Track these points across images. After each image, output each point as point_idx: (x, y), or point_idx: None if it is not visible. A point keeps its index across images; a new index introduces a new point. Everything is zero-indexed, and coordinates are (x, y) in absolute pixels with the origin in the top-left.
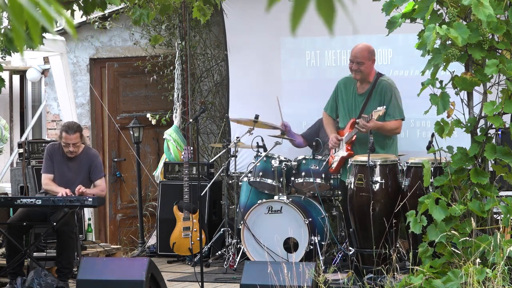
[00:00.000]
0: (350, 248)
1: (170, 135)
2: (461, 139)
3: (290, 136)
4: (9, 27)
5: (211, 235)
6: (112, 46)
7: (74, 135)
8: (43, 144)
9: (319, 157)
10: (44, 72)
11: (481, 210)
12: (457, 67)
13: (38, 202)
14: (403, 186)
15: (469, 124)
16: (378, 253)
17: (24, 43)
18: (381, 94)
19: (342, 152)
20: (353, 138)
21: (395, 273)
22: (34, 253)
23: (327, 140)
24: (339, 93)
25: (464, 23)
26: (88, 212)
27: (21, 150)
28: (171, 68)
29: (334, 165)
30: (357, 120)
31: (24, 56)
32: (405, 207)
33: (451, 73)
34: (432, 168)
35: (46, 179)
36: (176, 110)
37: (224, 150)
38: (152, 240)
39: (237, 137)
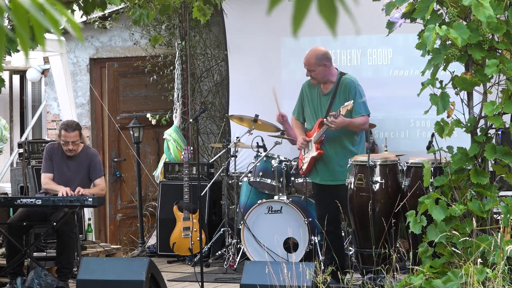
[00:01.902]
0: (350, 248)
1: (170, 135)
2: (461, 139)
3: (287, 127)
4: (9, 27)
5: (211, 235)
6: (112, 46)
7: (73, 133)
8: (43, 144)
9: None
10: (44, 72)
11: (481, 210)
12: (457, 67)
13: (38, 202)
14: (403, 186)
15: (469, 124)
16: (378, 253)
17: (29, 47)
18: (345, 91)
19: (312, 153)
20: (322, 138)
21: (395, 273)
22: (34, 253)
23: None
24: (305, 96)
25: (464, 23)
26: (88, 212)
27: (21, 150)
28: (171, 68)
29: (304, 167)
30: (324, 119)
31: (29, 59)
32: (405, 207)
33: (451, 73)
34: (432, 168)
35: (46, 179)
36: (176, 110)
37: (224, 150)
38: (152, 240)
39: (237, 137)
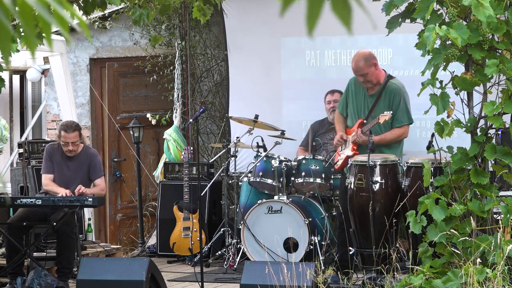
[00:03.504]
0: (350, 248)
1: (170, 135)
2: (461, 139)
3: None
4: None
5: (211, 235)
6: (112, 46)
7: (73, 133)
8: (43, 144)
9: (319, 157)
10: (44, 72)
11: (481, 210)
12: (457, 67)
13: (38, 202)
14: (403, 186)
15: (469, 124)
16: (378, 253)
17: (35, 47)
18: (390, 97)
19: (348, 151)
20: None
21: (395, 273)
22: (34, 253)
23: (325, 141)
24: (350, 92)
25: (464, 23)
26: (88, 212)
27: (21, 150)
28: (171, 68)
29: (339, 163)
30: (364, 121)
31: (35, 58)
32: (405, 207)
33: (451, 73)
34: (432, 168)
35: (46, 180)
36: (176, 110)
37: (224, 150)
38: (152, 240)
39: (237, 137)
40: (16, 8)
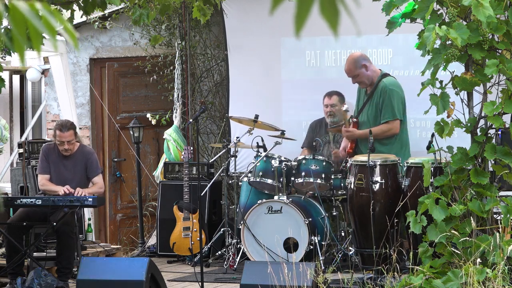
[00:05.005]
0: (350, 248)
1: (170, 135)
2: (461, 139)
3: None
4: (9, 27)
5: (211, 235)
6: (112, 46)
7: (68, 132)
8: (43, 144)
9: (319, 157)
10: (44, 72)
11: (481, 210)
12: (457, 67)
13: (38, 202)
14: (403, 186)
15: (469, 124)
16: (378, 253)
17: (24, 51)
18: (378, 97)
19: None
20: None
21: (395, 273)
22: (34, 253)
23: (324, 141)
24: (358, 90)
25: (464, 23)
26: (88, 212)
27: (21, 150)
28: (171, 68)
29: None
30: (354, 119)
31: (24, 63)
32: (405, 207)
33: (451, 73)
34: (432, 168)
35: (43, 180)
36: (176, 110)
37: (224, 150)
38: (152, 240)
39: (237, 137)
40: (8, 13)
